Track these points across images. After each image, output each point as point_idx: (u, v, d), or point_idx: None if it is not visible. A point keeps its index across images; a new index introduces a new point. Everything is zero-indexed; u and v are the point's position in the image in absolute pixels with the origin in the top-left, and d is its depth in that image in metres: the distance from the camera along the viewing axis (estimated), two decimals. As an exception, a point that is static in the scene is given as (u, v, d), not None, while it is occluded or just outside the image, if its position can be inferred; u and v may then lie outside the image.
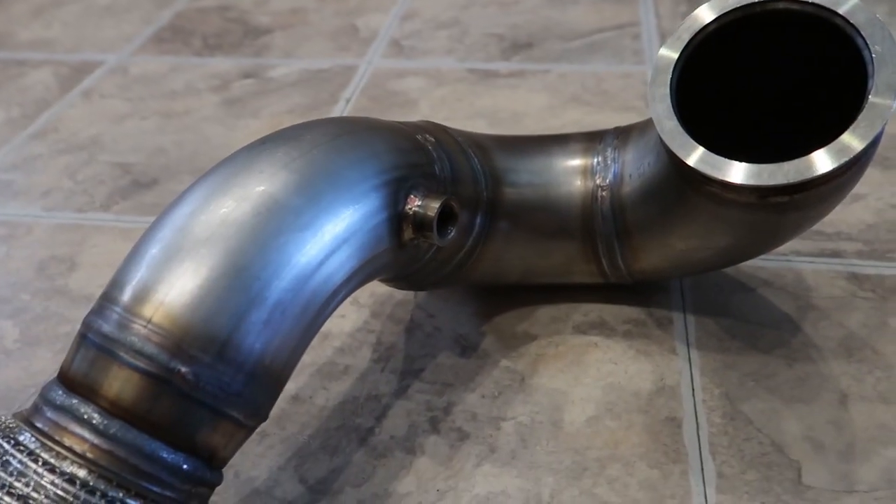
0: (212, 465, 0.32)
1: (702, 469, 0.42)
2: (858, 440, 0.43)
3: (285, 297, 0.32)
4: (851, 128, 0.33)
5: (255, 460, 0.44)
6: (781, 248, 0.55)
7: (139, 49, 0.93)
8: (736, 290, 0.53)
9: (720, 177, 0.35)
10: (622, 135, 0.47)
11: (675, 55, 0.38)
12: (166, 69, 0.88)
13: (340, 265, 0.35)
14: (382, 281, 0.46)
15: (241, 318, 0.31)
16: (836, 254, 0.55)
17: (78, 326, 0.32)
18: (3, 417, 0.30)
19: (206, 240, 0.31)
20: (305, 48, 0.90)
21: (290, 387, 0.48)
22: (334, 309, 0.37)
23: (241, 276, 0.31)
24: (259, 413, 0.33)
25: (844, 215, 0.58)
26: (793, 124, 0.40)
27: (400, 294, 0.54)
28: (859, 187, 0.60)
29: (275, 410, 0.46)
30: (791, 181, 0.33)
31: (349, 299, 0.53)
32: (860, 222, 0.58)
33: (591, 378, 0.47)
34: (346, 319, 0.53)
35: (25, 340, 0.53)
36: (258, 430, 0.44)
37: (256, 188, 0.33)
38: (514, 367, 0.49)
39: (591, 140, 0.49)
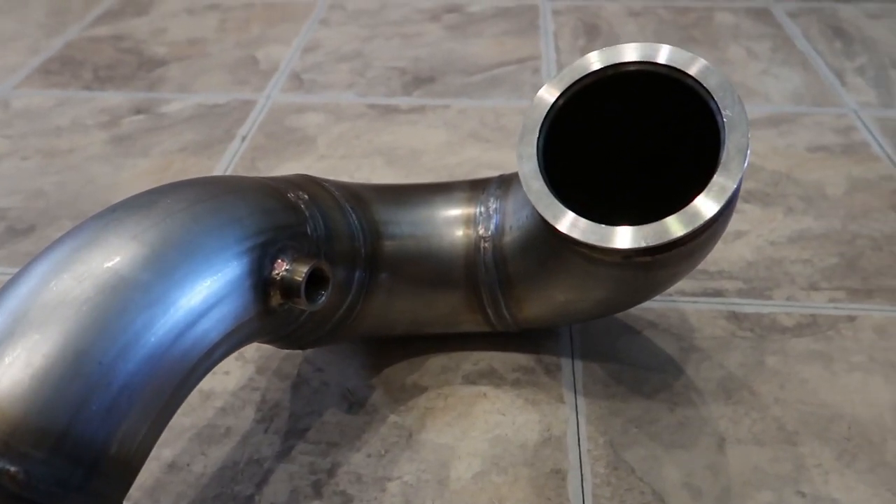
0: (53, 566, 0.29)
1: (584, 522, 0.42)
2: (734, 484, 0.43)
3: (133, 379, 0.30)
4: (703, 193, 0.34)
5: (123, 538, 0.41)
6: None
7: (23, 81, 0.89)
8: (623, 332, 0.54)
9: (585, 240, 0.35)
10: (504, 184, 0.48)
11: (542, 116, 0.38)
12: (52, 103, 0.84)
13: (199, 339, 0.33)
14: (260, 342, 0.44)
15: (80, 408, 0.29)
16: (717, 293, 0.57)
17: None
18: None
19: (41, 323, 0.29)
20: (202, 81, 0.88)
21: (167, 453, 0.46)
22: (198, 381, 0.35)
23: (81, 361, 0.29)
24: (107, 504, 0.31)
25: (726, 253, 0.60)
26: (664, 173, 0.40)
27: (288, 350, 0.53)
28: (740, 224, 0.63)
29: (149, 480, 0.44)
30: (649, 244, 0.34)
31: (234, 355, 0.51)
32: (741, 259, 0.60)
33: (478, 431, 0.47)
34: (230, 377, 0.51)
35: None
36: (131, 503, 0.42)
37: (101, 264, 0.31)
38: (402, 422, 0.48)
39: (475, 189, 0.48)
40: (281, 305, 0.37)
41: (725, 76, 0.35)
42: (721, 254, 0.60)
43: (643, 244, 0.34)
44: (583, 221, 0.36)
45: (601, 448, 0.46)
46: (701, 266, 0.58)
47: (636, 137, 0.42)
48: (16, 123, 0.81)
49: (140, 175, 0.72)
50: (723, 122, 0.34)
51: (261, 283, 0.36)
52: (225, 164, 0.73)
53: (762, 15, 1.01)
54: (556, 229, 0.36)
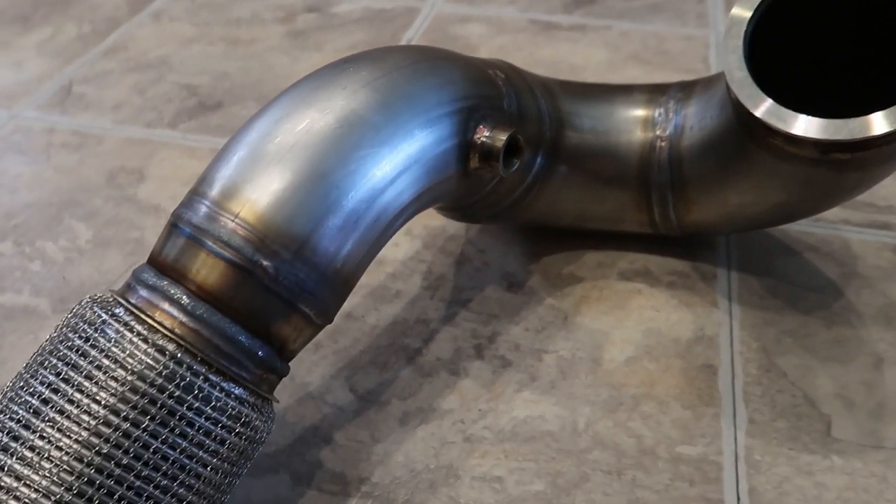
0: (282, 355, 0.34)
1: (734, 414, 0.43)
2: (890, 401, 0.44)
3: (360, 207, 0.34)
4: (920, 90, 0.34)
5: (309, 367, 0.47)
6: (831, 216, 0.56)
7: (207, -24, 0.95)
8: (782, 252, 0.54)
9: (784, 128, 0.36)
10: (686, 88, 0.48)
11: (750, 11, 0.38)
12: (232, -2, 0.90)
13: (410, 184, 0.37)
14: (439, 210, 0.48)
15: (320, 223, 0.33)
16: (885, 226, 0.55)
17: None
18: (100, 293, 0.33)
19: (291, 146, 0.33)
20: (369, -13, 0.91)
21: (345, 305, 0.50)
22: (401, 225, 0.39)
23: (322, 183, 0.33)
24: (327, 313, 0.35)
25: (898, 190, 0.58)
26: (861, 88, 0.40)
27: (452, 228, 0.56)
28: (916, 163, 0.60)
29: (330, 326, 0.49)
30: (854, 138, 0.34)
31: (403, 230, 0.55)
32: (913, 198, 0.58)
33: (632, 322, 0.49)
34: (399, 248, 0.55)
35: (97, 242, 0.56)
36: (313, 340, 0.47)
37: (340, 102, 0.35)
38: (559, 305, 0.50)
39: (655, 92, 0.49)
40: (477, 169, 0.40)
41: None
42: (891, 189, 0.58)
43: (847, 137, 0.34)
44: (784, 110, 0.36)
45: (754, 352, 0.47)
46: (869, 199, 0.57)
47: (847, 41, 0.41)
48: (201, 13, 0.87)
49: (315, 68, 0.76)
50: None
51: (464, 144, 0.39)
52: (392, 64, 0.76)
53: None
54: (756, 118, 0.37)
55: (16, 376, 0.31)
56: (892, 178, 0.60)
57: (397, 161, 0.36)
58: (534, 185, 0.47)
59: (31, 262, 0.55)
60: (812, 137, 0.35)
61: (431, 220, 0.56)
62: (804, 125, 0.36)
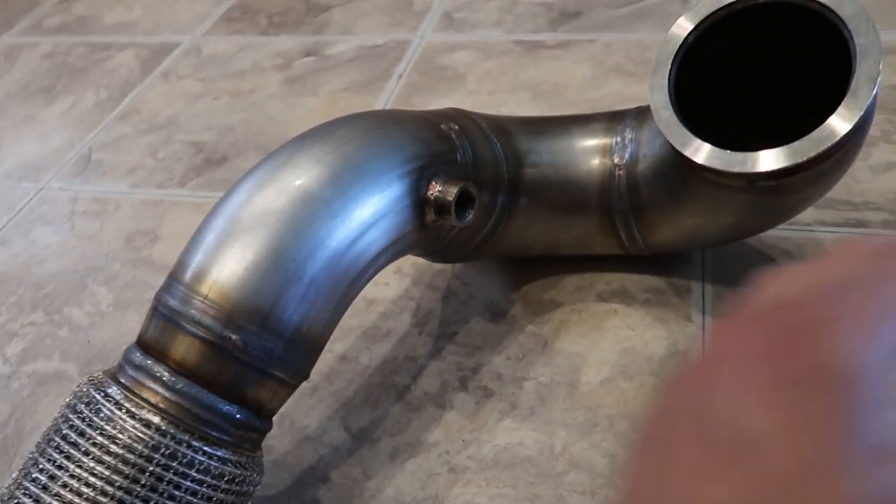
0: (260, 415, 0.38)
1: (704, 427, 0.45)
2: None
3: (319, 275, 0.38)
4: (832, 116, 0.35)
5: (306, 411, 0.51)
6: (805, 218, 0.57)
7: (211, 29, 1.00)
8: (756, 260, 0.55)
9: (709, 165, 0.38)
10: (640, 115, 0.50)
11: (674, 49, 0.41)
12: (235, 49, 0.95)
13: (368, 246, 0.40)
14: (416, 255, 0.51)
15: (281, 294, 0.37)
16: (860, 223, 0.56)
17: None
18: (96, 373, 0.38)
19: (250, 228, 0.37)
20: (362, 24, 0.95)
21: (340, 347, 0.54)
22: (366, 283, 0.42)
23: (280, 258, 0.37)
24: (299, 374, 0.39)
25: (875, 184, 0.59)
26: (788, 108, 0.42)
27: (439, 264, 0.59)
28: (891, 156, 0.61)
29: (324, 368, 0.53)
30: (774, 168, 0.36)
31: (393, 269, 0.59)
32: (890, 191, 0.58)
33: (608, 343, 0.52)
34: (389, 287, 0.58)
35: (117, 304, 0.62)
36: (311, 385, 0.51)
37: (294, 182, 0.39)
38: (539, 332, 0.53)
39: (612, 120, 0.52)
40: (434, 222, 0.43)
41: (860, 4, 0.36)
42: (869, 185, 0.59)
43: (765, 168, 0.36)
44: (708, 147, 0.38)
45: (725, 364, 0.49)
46: (844, 196, 0.58)
47: (768, 69, 0.43)
48: (206, 68, 0.92)
49: (310, 112, 0.80)
50: (855, 49, 0.35)
51: (418, 201, 0.42)
52: (383, 101, 0.80)
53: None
54: (683, 155, 0.39)
55: (29, 454, 0.36)
56: (870, 171, 0.61)
57: (352, 228, 0.39)
58: (498, 224, 0.49)
59: (59, 328, 0.60)
60: (736, 171, 0.37)
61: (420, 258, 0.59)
62: (728, 160, 0.38)
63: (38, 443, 0.36)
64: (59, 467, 0.34)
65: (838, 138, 0.35)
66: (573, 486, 0.44)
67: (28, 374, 0.57)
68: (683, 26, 0.41)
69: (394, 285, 0.58)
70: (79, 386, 0.37)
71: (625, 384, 0.49)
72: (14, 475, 0.36)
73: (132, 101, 0.88)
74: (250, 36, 0.97)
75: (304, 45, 0.93)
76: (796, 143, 0.36)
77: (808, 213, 0.57)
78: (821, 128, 0.35)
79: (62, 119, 0.88)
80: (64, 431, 0.35)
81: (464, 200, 0.43)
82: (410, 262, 0.60)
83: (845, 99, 0.35)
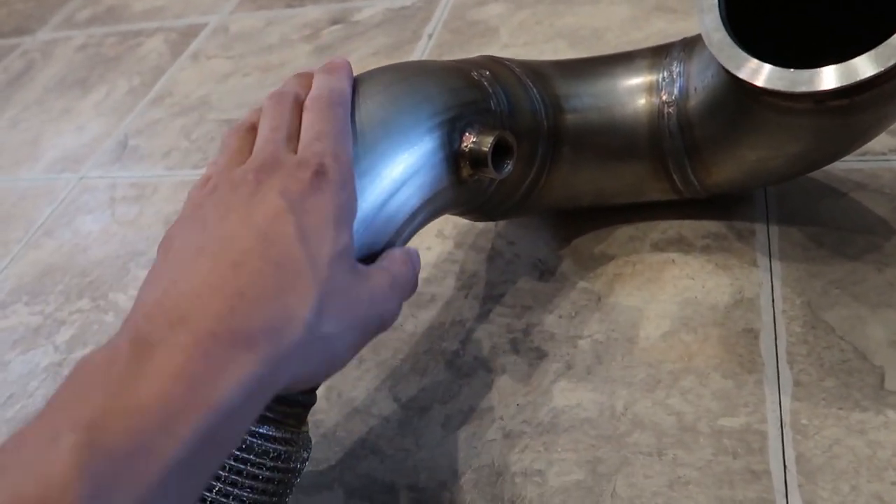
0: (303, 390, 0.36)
1: (778, 378, 0.42)
2: (950, 344, 0.41)
3: (353, 236, 0.36)
4: (909, 22, 0.31)
5: (353, 382, 0.49)
6: (879, 147, 0.52)
7: (237, 7, 0.99)
8: (825, 195, 0.51)
9: (771, 87, 0.34)
10: (688, 46, 0.46)
11: (723, -37, 0.37)
12: (262, 24, 0.93)
13: (401, 205, 0.38)
14: (455, 214, 0.48)
15: (313, 261, 0.35)
16: (942, 148, 0.51)
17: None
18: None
19: (276, 193, 0.35)
20: (389, -14, 0.92)
21: (383, 316, 0.52)
22: (404, 244, 0.40)
23: (309, 223, 0.35)
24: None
25: (955, 104, 0.54)
26: (859, 20, 0.37)
27: (481, 224, 0.57)
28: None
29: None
30: (843, 84, 0.32)
31: (434, 232, 0.57)
32: (974, 110, 0.53)
33: (667, 294, 0.48)
34: (431, 251, 0.56)
35: (160, 287, 0.61)
36: (357, 356, 0.49)
37: (317, 142, 0.36)
38: (591, 287, 0.50)
39: (657, 55, 0.48)
40: (471, 176, 0.41)
41: None
42: (948, 105, 0.54)
43: (835, 85, 0.32)
44: (768, 68, 0.34)
45: (798, 309, 0.45)
46: (922, 120, 0.53)
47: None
48: (235, 46, 0.91)
49: (341, 80, 0.78)
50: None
51: (451, 155, 0.40)
52: (415, 62, 0.77)
53: None
54: (740, 79, 0.35)
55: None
56: (949, 91, 0.55)
57: (382, 188, 0.37)
58: (540, 175, 0.46)
59: (105, 314, 0.60)
60: (802, 91, 0.34)
61: (460, 217, 0.56)
62: (792, 80, 0.34)
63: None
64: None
65: (918, 44, 0.31)
66: (638, 448, 0.41)
67: (78, 361, 0.57)
68: (732, -62, 0.37)
69: (436, 249, 0.56)
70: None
71: (688, 337, 0.45)
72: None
73: (164, 84, 0.88)
74: (276, 10, 0.95)
75: (331, 13, 0.90)
76: (870, 53, 0.32)
77: (882, 141, 0.52)
78: (891, 38, 0.31)
79: (98, 109, 0.88)
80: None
81: (501, 151, 0.41)
82: (452, 224, 0.57)
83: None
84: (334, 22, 0.88)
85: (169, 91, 0.86)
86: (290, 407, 0.36)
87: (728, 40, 0.36)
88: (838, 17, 0.39)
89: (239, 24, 0.95)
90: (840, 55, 0.33)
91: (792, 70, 0.34)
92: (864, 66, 0.32)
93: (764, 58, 0.35)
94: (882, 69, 0.31)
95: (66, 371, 0.57)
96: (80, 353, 0.58)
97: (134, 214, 0.70)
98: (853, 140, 0.40)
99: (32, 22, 1.13)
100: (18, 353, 0.60)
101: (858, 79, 0.32)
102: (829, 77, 0.33)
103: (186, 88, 0.85)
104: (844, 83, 0.32)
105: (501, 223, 0.56)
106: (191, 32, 0.96)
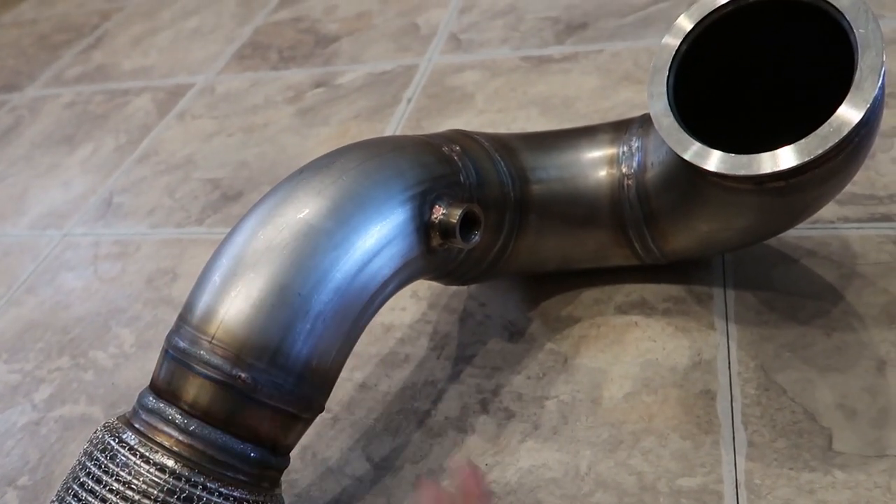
0: (276, 451, 0.38)
1: (733, 438, 0.44)
2: (893, 406, 0.43)
3: (325, 308, 0.38)
4: (838, 111, 0.34)
5: (328, 442, 0.50)
6: (828, 215, 0.55)
7: (224, 67, 1.02)
8: (778, 261, 0.54)
9: (714, 170, 0.37)
10: (646, 123, 0.49)
11: (671, 55, 0.40)
12: (247, 85, 0.96)
13: (374, 274, 0.40)
14: (428, 279, 0.51)
15: (288, 330, 0.37)
16: (886, 217, 0.54)
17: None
18: (111, 419, 0.38)
19: (254, 265, 0.37)
20: (370, 51, 0.96)
21: (358, 376, 0.54)
22: (376, 311, 0.42)
23: (285, 293, 0.37)
24: (312, 406, 0.39)
25: (898, 176, 0.57)
26: (794, 109, 0.41)
27: (454, 287, 0.59)
28: (913, 147, 0.59)
29: (344, 397, 0.53)
30: (781, 168, 0.35)
31: (409, 294, 0.59)
32: (915, 182, 0.57)
33: (630, 356, 0.50)
34: (406, 312, 0.58)
35: (140, 345, 0.62)
36: (332, 415, 0.51)
37: (294, 216, 0.39)
38: (558, 348, 0.52)
39: (618, 130, 0.51)
40: (441, 245, 0.43)
41: (859, -5, 0.35)
42: (894, 177, 0.57)
43: (772, 169, 0.35)
44: (713, 152, 0.37)
45: (752, 371, 0.47)
46: (868, 190, 0.56)
47: (769, 71, 0.42)
48: (220, 106, 0.94)
49: (323, 142, 0.81)
50: (856, 41, 0.34)
51: (422, 226, 0.42)
52: (394, 126, 0.80)
53: None
54: (687, 161, 0.38)
55: (50, 502, 0.36)
56: (893, 163, 0.59)
57: (356, 258, 0.39)
58: (508, 242, 0.49)
59: (85, 372, 0.61)
60: (742, 174, 0.37)
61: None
62: (733, 163, 0.37)
63: (59, 491, 0.36)
64: (78, 515, 0.34)
65: (845, 133, 0.34)
66: (600, 507, 0.43)
67: (55, 419, 0.58)
68: (680, 30, 0.40)
69: (410, 310, 0.58)
70: (95, 432, 0.37)
71: (648, 398, 0.48)
72: (36, 524, 0.36)
73: (150, 143, 0.90)
74: (262, 72, 0.99)
75: (314, 76, 0.94)
76: (803, 141, 0.35)
77: (831, 210, 0.56)
78: (827, 123, 0.34)
79: (84, 166, 0.90)
80: (81, 479, 0.35)
81: (469, 222, 0.43)
82: (426, 286, 0.59)
83: (850, 92, 0.34)
84: (317, 85, 0.92)
85: (154, 150, 0.88)
86: (264, 469, 0.37)
87: (675, 125, 0.39)
88: (784, 107, 0.42)
89: (225, 85, 0.98)
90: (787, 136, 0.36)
91: (733, 155, 0.37)
92: (794, 155, 0.35)
93: (710, 139, 0.39)
94: (810, 157, 0.34)
95: (43, 430, 0.57)
96: (58, 412, 0.59)
97: (116, 272, 0.71)
98: (794, 216, 0.43)
99: (22, 78, 1.16)
100: (-3, 411, 0.60)
101: (792, 164, 0.35)
102: (765, 162, 0.36)
103: (172, 147, 0.88)
104: (781, 168, 0.35)
105: (474, 286, 0.59)
106: (178, 92, 0.99)
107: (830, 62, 0.38)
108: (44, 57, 1.21)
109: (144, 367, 0.60)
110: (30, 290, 0.72)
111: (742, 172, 0.36)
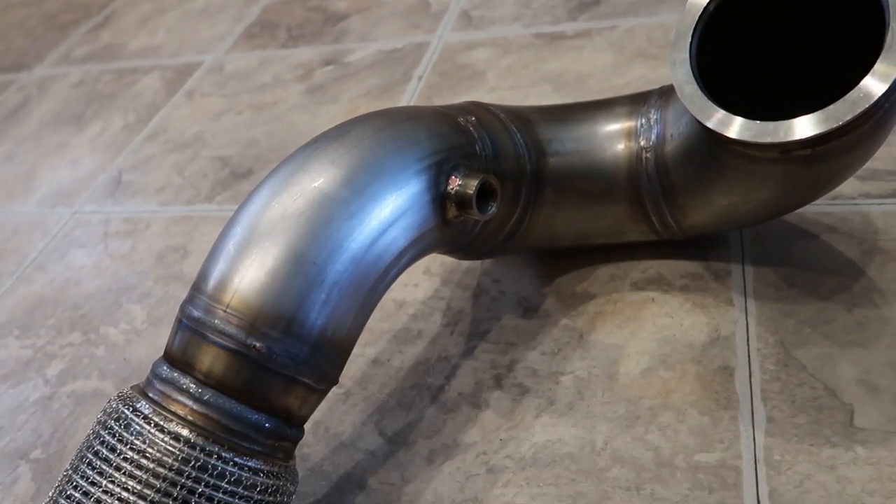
0: (290, 423, 0.37)
1: (752, 414, 0.44)
2: (916, 382, 0.43)
3: (340, 277, 0.37)
4: (868, 76, 0.33)
5: (341, 417, 0.50)
6: (849, 191, 0.54)
7: (232, 46, 1.01)
8: (798, 237, 0.53)
9: (739, 137, 0.36)
10: (664, 94, 0.49)
11: (694, 21, 0.39)
12: (256, 63, 0.96)
13: (389, 245, 0.39)
14: (441, 253, 0.50)
15: (303, 299, 0.36)
16: (908, 193, 0.54)
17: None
18: (125, 389, 0.37)
19: (269, 233, 0.37)
20: (380, 29, 0.95)
21: (371, 351, 0.54)
22: (391, 282, 0.41)
23: (300, 262, 0.36)
24: (327, 378, 0.38)
25: (921, 152, 0.56)
26: (822, 76, 0.40)
27: (467, 262, 0.58)
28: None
29: (357, 373, 0.52)
30: (809, 135, 0.34)
31: (422, 269, 0.58)
32: (938, 158, 0.55)
33: (647, 332, 0.50)
34: (418, 288, 0.57)
35: (151, 321, 0.62)
36: (344, 390, 0.51)
37: (309, 185, 0.38)
38: (574, 324, 0.52)
39: (636, 102, 0.50)
40: (457, 217, 0.42)
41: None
42: (914, 152, 0.56)
43: (799, 136, 0.34)
44: (737, 119, 0.37)
45: (771, 347, 0.47)
46: (891, 165, 0.55)
47: (796, 38, 0.41)
48: (229, 84, 0.93)
49: (332, 120, 0.80)
50: (887, 1, 0.33)
51: (438, 196, 0.41)
52: (404, 104, 0.79)
53: None
54: (710, 129, 0.37)
55: (63, 471, 0.36)
56: (915, 139, 0.58)
57: (371, 228, 0.38)
58: (524, 216, 0.48)
59: (96, 348, 0.61)
60: (767, 142, 0.36)
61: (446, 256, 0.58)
62: (758, 130, 0.36)
63: (72, 460, 0.36)
64: (93, 483, 0.34)
65: (875, 98, 0.33)
66: (617, 482, 0.42)
67: (68, 394, 0.58)
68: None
69: (423, 286, 0.58)
70: (109, 402, 0.37)
71: (666, 373, 0.47)
72: (50, 493, 0.36)
73: (158, 121, 0.89)
74: (271, 50, 0.98)
75: (324, 54, 0.93)
76: (830, 107, 0.34)
77: (852, 185, 0.55)
78: (856, 89, 0.33)
79: (92, 144, 0.89)
80: (95, 448, 0.35)
81: (485, 193, 0.42)
82: (439, 262, 0.59)
83: (881, 56, 0.33)
84: (327, 63, 0.91)
85: (163, 128, 0.88)
86: (278, 440, 0.37)
87: (699, 93, 0.38)
88: (818, 56, 0.41)
89: (234, 64, 0.97)
90: (820, 90, 0.35)
91: (758, 122, 0.36)
92: (822, 121, 0.34)
93: (739, 104, 0.38)
94: (838, 124, 0.33)
95: (55, 405, 0.57)
96: (70, 387, 0.58)
97: (126, 249, 0.71)
98: (818, 187, 0.42)
99: (30, 58, 1.15)
100: (8, 387, 0.60)
101: (820, 131, 0.34)
102: (793, 129, 0.35)
103: (181, 125, 0.87)
104: (808, 134, 0.34)
105: (487, 261, 0.58)
106: (186, 71, 0.98)
107: (861, 29, 0.37)
108: (51, 37, 1.20)
109: (156, 343, 0.60)
110: (40, 268, 0.72)
111: (768, 140, 0.35)
